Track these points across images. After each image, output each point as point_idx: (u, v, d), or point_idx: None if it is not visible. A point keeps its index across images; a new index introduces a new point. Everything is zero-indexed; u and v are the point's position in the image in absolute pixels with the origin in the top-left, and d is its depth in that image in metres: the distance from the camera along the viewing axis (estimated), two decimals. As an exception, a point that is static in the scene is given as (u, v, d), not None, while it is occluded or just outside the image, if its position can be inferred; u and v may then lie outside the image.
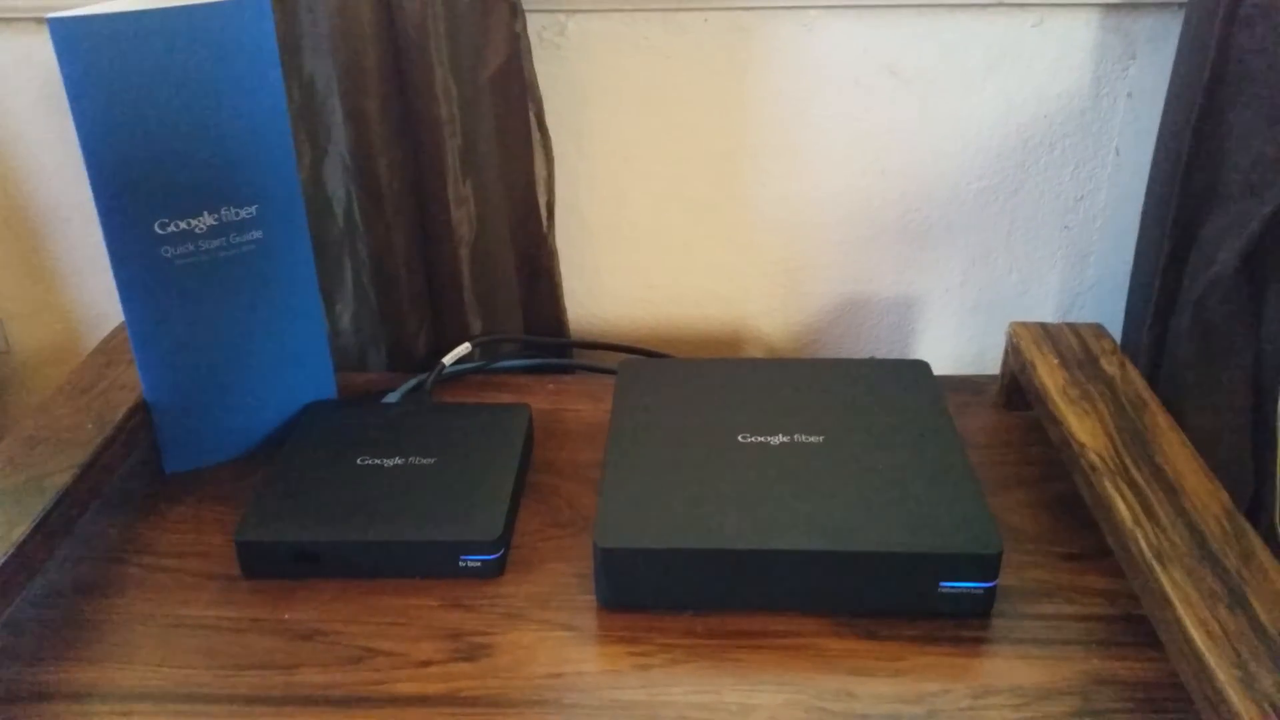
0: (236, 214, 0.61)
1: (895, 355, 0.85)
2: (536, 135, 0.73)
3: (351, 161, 0.72)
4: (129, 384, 0.65)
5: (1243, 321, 0.68)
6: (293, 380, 0.67)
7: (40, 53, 0.75)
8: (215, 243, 0.61)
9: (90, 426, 0.61)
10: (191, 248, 0.60)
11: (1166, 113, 0.70)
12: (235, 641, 0.52)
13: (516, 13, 0.68)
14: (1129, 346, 0.70)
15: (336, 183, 0.74)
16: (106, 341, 0.71)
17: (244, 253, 0.62)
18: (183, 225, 0.60)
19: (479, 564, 0.56)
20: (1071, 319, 0.84)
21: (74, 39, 0.54)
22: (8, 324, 0.86)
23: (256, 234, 0.62)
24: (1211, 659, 0.43)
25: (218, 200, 0.60)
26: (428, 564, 0.56)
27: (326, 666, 0.51)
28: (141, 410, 0.63)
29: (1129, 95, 0.75)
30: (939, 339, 0.85)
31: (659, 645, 0.52)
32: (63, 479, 0.57)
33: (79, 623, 0.54)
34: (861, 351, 0.85)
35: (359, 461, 0.61)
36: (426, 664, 0.51)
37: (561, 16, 0.73)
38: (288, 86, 0.68)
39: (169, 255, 0.60)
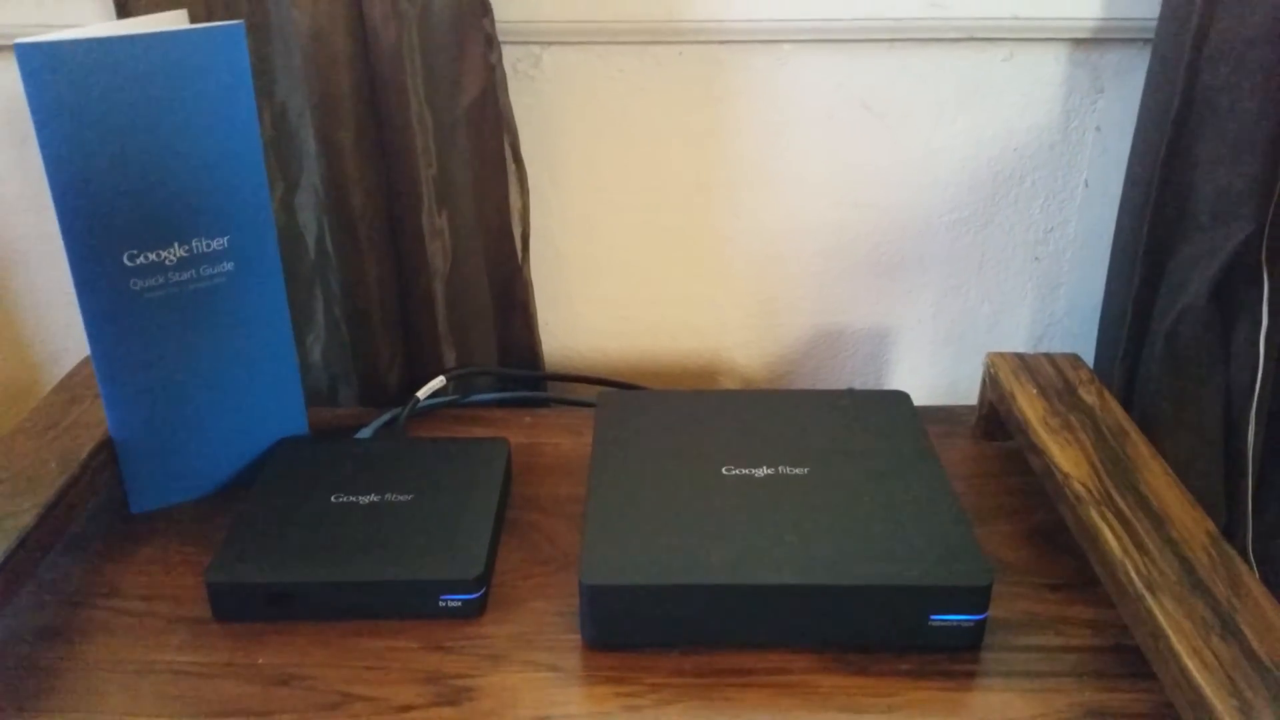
0: (208, 245, 0.60)
1: (870, 386, 0.85)
2: (512, 166, 0.73)
3: (324, 192, 0.71)
4: (93, 421, 0.63)
5: (1214, 350, 0.69)
6: (263, 416, 0.65)
7: (3, 78, 0.73)
8: (185, 275, 0.60)
9: (54, 465, 0.59)
10: (161, 280, 0.59)
11: (1135, 145, 0.71)
12: (207, 687, 0.50)
13: (492, 44, 0.68)
14: (1101, 376, 0.70)
15: (309, 214, 0.73)
16: (69, 378, 0.69)
17: (215, 285, 0.61)
18: (152, 257, 0.58)
19: (459, 604, 0.54)
20: (1042, 349, 0.84)
21: (42, 66, 0.52)
22: (-39, 360, 0.83)
23: (228, 266, 0.61)
24: (1208, 689, 0.43)
25: (189, 232, 0.59)
26: (406, 604, 0.54)
27: (302, 713, 0.49)
28: (107, 448, 0.61)
29: (1097, 129, 0.76)
30: (913, 369, 0.85)
31: (647, 685, 0.51)
32: (25, 520, 0.54)
33: (41, 670, 0.51)
34: (836, 383, 0.85)
35: (333, 499, 0.59)
36: (407, 709, 0.49)
37: (537, 48, 0.73)
38: (259, 116, 0.67)
39: (138, 288, 0.58)
